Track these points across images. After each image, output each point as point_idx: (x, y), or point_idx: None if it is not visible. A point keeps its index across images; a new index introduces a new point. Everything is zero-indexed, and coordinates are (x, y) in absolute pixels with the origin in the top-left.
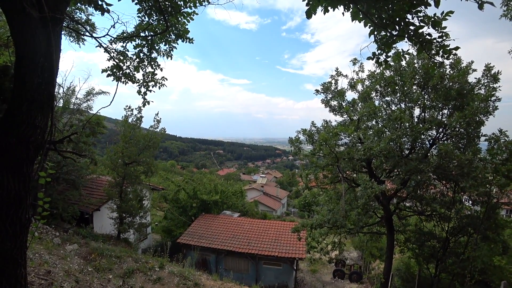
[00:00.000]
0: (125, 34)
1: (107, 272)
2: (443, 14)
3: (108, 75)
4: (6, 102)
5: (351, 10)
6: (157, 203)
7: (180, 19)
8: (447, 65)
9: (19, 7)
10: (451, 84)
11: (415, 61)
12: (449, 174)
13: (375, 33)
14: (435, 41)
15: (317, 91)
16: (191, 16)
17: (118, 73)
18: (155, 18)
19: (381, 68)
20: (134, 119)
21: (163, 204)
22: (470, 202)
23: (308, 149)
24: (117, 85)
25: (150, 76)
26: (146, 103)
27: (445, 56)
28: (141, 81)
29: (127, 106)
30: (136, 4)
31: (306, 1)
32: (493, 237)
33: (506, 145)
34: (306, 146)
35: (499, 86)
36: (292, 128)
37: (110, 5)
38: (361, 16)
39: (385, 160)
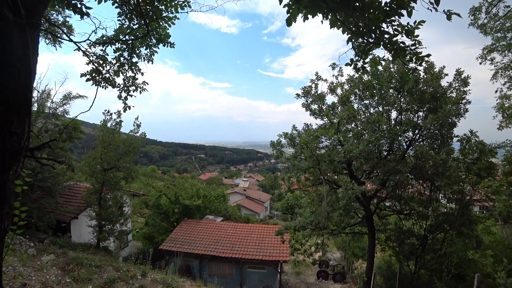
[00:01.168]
0: (104, 38)
1: (87, 282)
2: (416, 24)
3: (88, 80)
4: None
5: (329, 18)
6: (138, 210)
7: (161, 23)
8: (420, 70)
9: None
10: (425, 87)
11: (391, 65)
12: (425, 174)
13: (353, 40)
14: (408, 48)
15: (297, 95)
16: (172, 20)
17: (97, 78)
18: (135, 22)
19: (359, 73)
20: (113, 124)
21: (144, 210)
22: (446, 200)
23: (290, 152)
24: (97, 89)
25: (130, 81)
26: (127, 108)
27: (418, 62)
28: (122, 85)
29: (105, 110)
30: (116, 7)
31: (286, 9)
32: (467, 233)
33: (477, 145)
34: (288, 149)
35: (469, 90)
36: (273, 131)
37: (90, 8)
38: (339, 24)
39: (364, 162)
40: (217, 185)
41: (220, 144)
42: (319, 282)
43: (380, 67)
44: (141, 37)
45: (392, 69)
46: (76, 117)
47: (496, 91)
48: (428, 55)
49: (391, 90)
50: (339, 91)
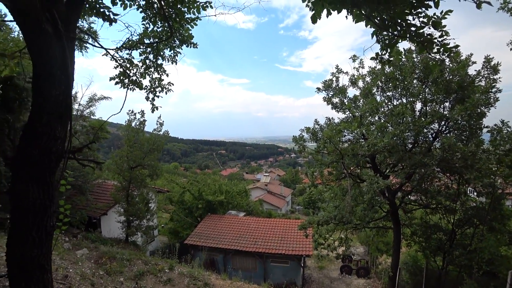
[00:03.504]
0: (130, 42)
1: (119, 275)
2: (442, 14)
3: (116, 83)
4: (12, 111)
5: (354, 12)
6: (162, 206)
7: (183, 25)
8: (446, 59)
9: (35, 23)
10: (451, 77)
11: (414, 55)
12: (453, 167)
13: (377, 33)
14: (436, 40)
15: (318, 89)
16: (195, 22)
17: (125, 80)
18: (159, 25)
19: (382, 66)
20: (137, 123)
21: (169, 206)
22: (475, 193)
23: (312, 146)
24: (126, 92)
25: (157, 82)
26: (155, 109)
27: (446, 54)
28: (149, 87)
29: (129, 110)
30: (141, 12)
31: (310, 7)
32: (499, 228)
33: (509, 135)
34: (310, 143)
35: (499, 77)
36: (293, 125)
37: (117, 15)
38: (363, 18)
39: (389, 155)
40: (239, 181)
41: (240, 140)
42: (343, 277)
43: (402, 58)
44: (165, 40)
45: (415, 59)
46: (108, 119)
47: None
48: (457, 46)
49: (414, 81)
50: (360, 83)
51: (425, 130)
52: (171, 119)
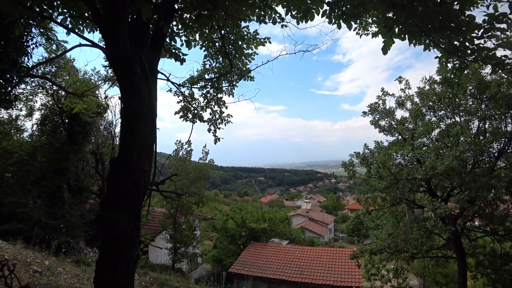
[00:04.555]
0: (192, 78)
1: None
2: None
3: (181, 117)
4: (77, 143)
5: (422, 42)
6: (204, 233)
7: (243, 60)
8: (489, 75)
9: (128, 66)
10: (510, 91)
11: (466, 72)
12: None
13: (445, 58)
14: (510, 61)
15: (364, 113)
16: (252, 56)
17: (188, 114)
18: (220, 61)
19: (431, 85)
20: (184, 153)
21: (211, 233)
22: None
23: (362, 171)
24: (192, 126)
25: (218, 114)
26: (218, 140)
27: None
28: (210, 119)
29: (177, 140)
30: (204, 51)
31: (381, 39)
32: None
33: None
34: (360, 168)
35: None
36: (331, 150)
37: (186, 55)
38: (432, 46)
39: (448, 178)
40: (279, 208)
41: (278, 166)
42: None
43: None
44: (226, 74)
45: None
46: (176, 152)
47: None
48: None
49: (468, 98)
50: (408, 105)
51: (488, 150)
52: (210, 147)
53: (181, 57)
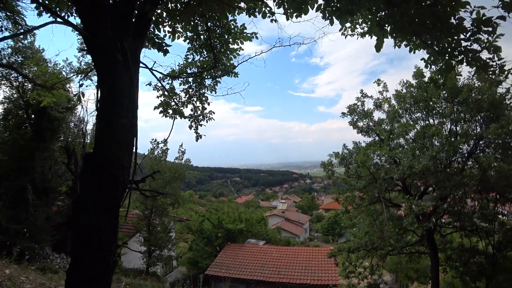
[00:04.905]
0: (173, 72)
1: None
2: (494, 37)
3: (161, 112)
4: (44, 140)
5: (413, 42)
6: (178, 234)
7: (228, 55)
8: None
9: (109, 53)
10: (480, 96)
11: (437, 76)
12: (493, 186)
13: (430, 60)
14: (494, 63)
15: (343, 113)
16: (237, 52)
17: (168, 110)
18: (205, 55)
19: (407, 88)
20: (160, 152)
21: (186, 235)
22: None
23: (341, 171)
24: (173, 122)
25: (200, 111)
26: (199, 137)
27: (503, 75)
28: (192, 116)
29: (152, 139)
30: (188, 43)
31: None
32: None
33: None
34: (339, 169)
35: None
36: (307, 151)
37: (169, 45)
38: (422, 46)
39: (423, 177)
40: (255, 208)
41: (254, 167)
42: None
43: (425, 79)
44: (210, 69)
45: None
46: (151, 151)
47: None
48: None
49: (443, 101)
50: (385, 106)
51: (460, 150)
52: (186, 147)
53: (164, 48)
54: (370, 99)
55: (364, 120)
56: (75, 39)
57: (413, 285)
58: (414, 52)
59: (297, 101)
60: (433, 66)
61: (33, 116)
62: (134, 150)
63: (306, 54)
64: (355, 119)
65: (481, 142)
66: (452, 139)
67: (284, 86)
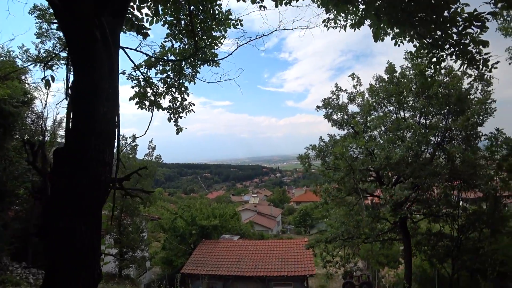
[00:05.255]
0: (150, 60)
1: None
2: (477, 33)
3: (137, 103)
4: None
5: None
6: (150, 234)
7: (210, 42)
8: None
9: (87, 29)
10: (447, 91)
11: (407, 72)
12: (461, 174)
13: (419, 52)
14: (481, 57)
15: (318, 107)
16: (219, 40)
17: (143, 101)
18: (185, 41)
19: (381, 83)
20: (128, 148)
21: (159, 234)
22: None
23: (317, 164)
24: (152, 115)
25: (180, 102)
26: (180, 130)
27: (487, 69)
28: (171, 108)
29: (121, 135)
30: (167, 28)
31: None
32: (504, 230)
33: (506, 142)
34: (315, 161)
35: (492, 89)
36: (276, 145)
37: (149, 29)
38: (416, 38)
39: (396, 168)
40: (227, 203)
41: (224, 162)
42: None
43: (396, 74)
44: (189, 57)
45: (411, 75)
46: (134, 139)
47: None
48: (497, 62)
49: (410, 95)
50: (359, 100)
51: (431, 142)
52: (154, 143)
53: (144, 31)
54: (344, 92)
55: (339, 113)
56: (32, 23)
57: (384, 270)
58: (399, 46)
59: (266, 96)
60: (419, 59)
61: None
62: (116, 144)
63: (275, 49)
64: (329, 112)
65: (448, 134)
66: (428, 131)
67: (253, 81)
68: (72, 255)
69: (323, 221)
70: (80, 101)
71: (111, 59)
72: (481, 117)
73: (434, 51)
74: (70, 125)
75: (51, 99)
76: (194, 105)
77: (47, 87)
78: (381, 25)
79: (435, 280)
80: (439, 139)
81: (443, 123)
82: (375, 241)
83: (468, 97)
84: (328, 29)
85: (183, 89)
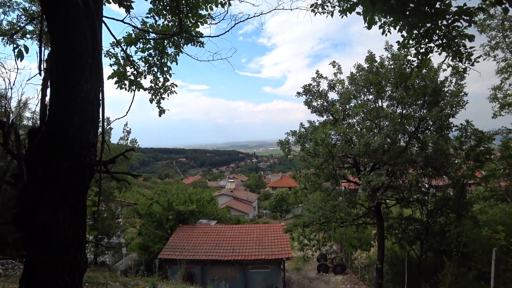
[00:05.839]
0: (129, 37)
1: None
2: (463, 26)
3: (116, 83)
4: None
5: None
6: (127, 219)
7: (195, 20)
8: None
9: None
10: (423, 83)
11: (386, 63)
12: (434, 162)
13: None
14: (466, 51)
15: (298, 93)
16: (205, 19)
17: (123, 81)
18: (169, 18)
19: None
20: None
21: (135, 219)
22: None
23: (297, 149)
24: (133, 95)
25: (162, 83)
26: (162, 112)
27: (470, 63)
28: (153, 88)
29: None
30: (150, 3)
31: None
32: (464, 214)
33: (474, 133)
34: (295, 147)
35: (465, 83)
36: (252, 131)
37: (132, 2)
38: (407, 28)
39: (373, 155)
40: (203, 188)
41: (200, 147)
42: (320, 276)
43: (376, 64)
44: (174, 35)
45: (389, 66)
46: (111, 122)
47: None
48: (479, 56)
49: (388, 85)
50: (339, 88)
51: (407, 130)
52: (129, 127)
53: (127, 3)
54: (324, 80)
55: (319, 100)
56: None
57: (356, 253)
58: (386, 35)
59: (244, 81)
60: (405, 49)
61: None
62: (101, 124)
63: (253, 33)
64: (309, 99)
65: (422, 123)
66: (405, 120)
67: (230, 65)
68: (55, 248)
69: (300, 206)
70: (59, 75)
71: (93, 30)
72: (453, 109)
73: (422, 42)
74: (48, 103)
75: (15, 78)
76: (176, 86)
77: (19, 59)
78: (374, 12)
79: (404, 261)
80: (413, 129)
81: (419, 113)
82: (351, 225)
83: (443, 89)
84: (315, 15)
85: (165, 69)
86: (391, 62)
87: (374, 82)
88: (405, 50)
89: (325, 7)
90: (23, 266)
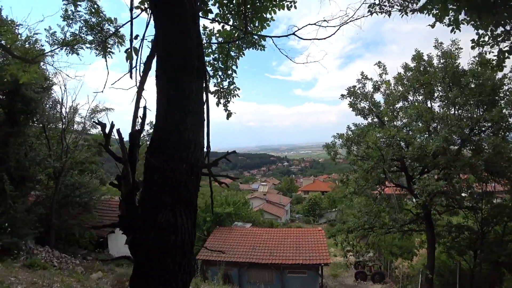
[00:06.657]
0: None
1: None
2: None
3: None
4: (18, 124)
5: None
6: None
7: (257, 24)
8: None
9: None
10: (479, 81)
11: (436, 62)
12: (494, 166)
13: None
14: None
15: (342, 95)
16: (268, 22)
17: None
18: (233, 23)
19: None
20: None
21: None
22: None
23: (343, 152)
24: (207, 98)
25: (227, 86)
26: (229, 115)
27: None
28: (217, 91)
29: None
30: (218, 7)
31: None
32: None
33: None
34: (341, 150)
35: None
36: (283, 134)
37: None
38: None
39: (426, 158)
40: (235, 191)
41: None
42: (358, 283)
43: (423, 62)
44: (237, 40)
45: (440, 65)
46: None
47: None
48: None
49: (439, 85)
50: (384, 88)
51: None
52: None
53: (208, 8)
54: (369, 81)
55: (365, 102)
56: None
57: (397, 261)
58: (454, 32)
59: (274, 84)
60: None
61: (3, 97)
62: (207, 125)
63: (284, 37)
64: (354, 101)
65: (478, 125)
66: (462, 122)
67: (261, 69)
68: (172, 251)
69: (334, 211)
70: (171, 76)
71: (198, 32)
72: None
73: (506, 40)
74: (142, 106)
75: (70, 85)
76: (239, 89)
77: (128, 60)
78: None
79: (455, 272)
80: (468, 131)
81: (474, 114)
82: (398, 232)
83: (502, 87)
84: (372, 15)
85: (229, 72)
86: (441, 61)
87: (424, 82)
88: (480, 48)
89: (383, 7)
90: (133, 268)
